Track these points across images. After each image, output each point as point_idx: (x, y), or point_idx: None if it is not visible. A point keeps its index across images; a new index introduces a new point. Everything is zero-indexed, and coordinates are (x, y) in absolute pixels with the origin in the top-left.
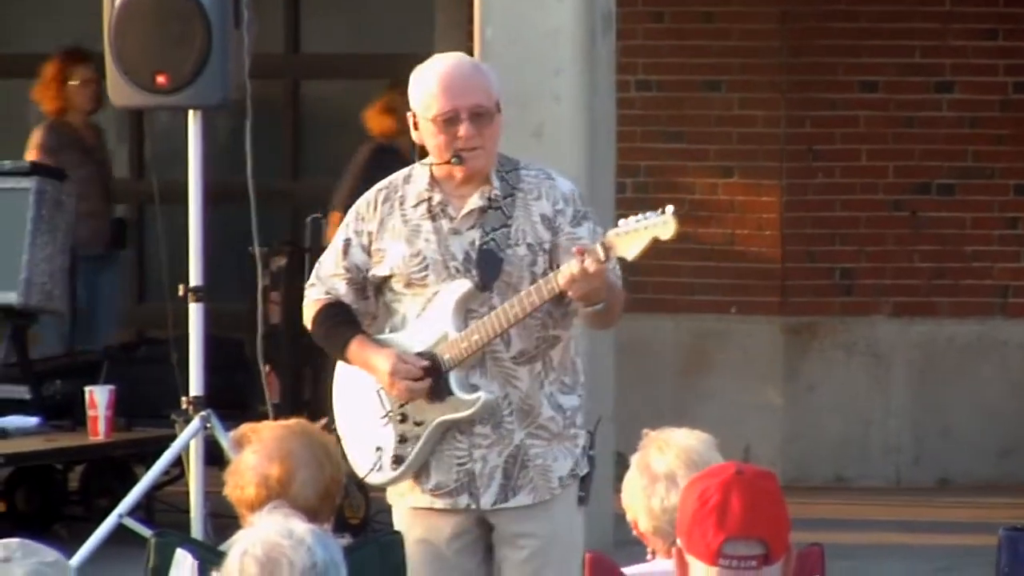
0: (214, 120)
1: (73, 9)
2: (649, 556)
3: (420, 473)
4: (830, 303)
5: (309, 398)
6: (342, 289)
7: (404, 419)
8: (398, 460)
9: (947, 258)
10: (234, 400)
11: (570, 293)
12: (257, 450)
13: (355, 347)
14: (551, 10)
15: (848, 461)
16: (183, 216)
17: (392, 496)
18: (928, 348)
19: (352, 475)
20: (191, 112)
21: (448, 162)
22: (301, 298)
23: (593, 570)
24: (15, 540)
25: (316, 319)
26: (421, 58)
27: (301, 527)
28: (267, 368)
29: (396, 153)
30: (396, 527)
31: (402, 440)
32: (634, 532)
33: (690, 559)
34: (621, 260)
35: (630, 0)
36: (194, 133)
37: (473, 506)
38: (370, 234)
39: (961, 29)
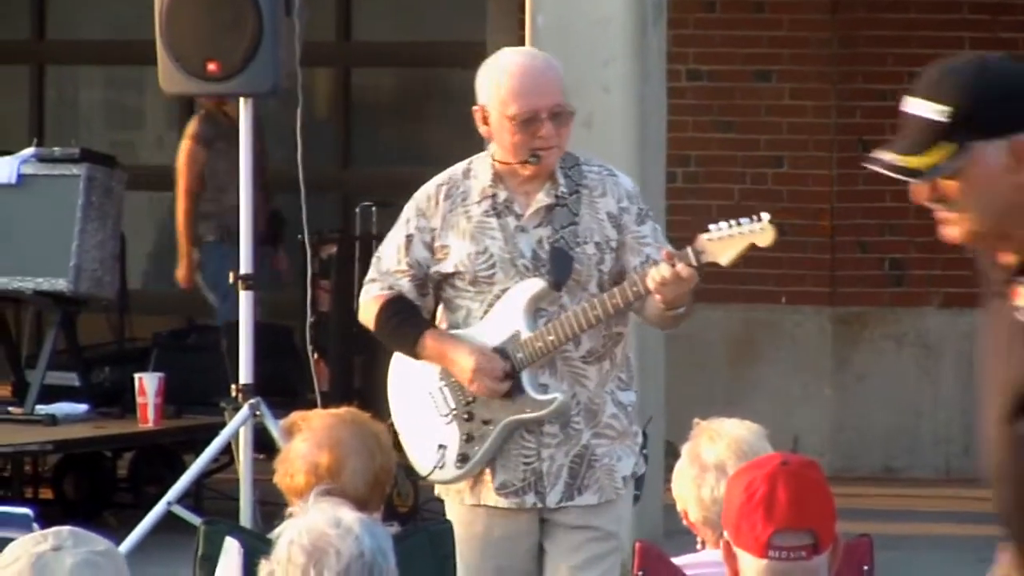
0: (265, 108)
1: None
2: (699, 546)
3: (484, 471)
4: (880, 294)
5: (359, 386)
6: (405, 285)
7: (470, 417)
8: (463, 458)
9: None
10: (283, 388)
11: (657, 297)
12: (307, 438)
13: (431, 341)
14: None
15: (897, 452)
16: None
17: (449, 493)
18: (976, 338)
19: (403, 464)
20: (242, 100)
21: (525, 162)
22: (351, 286)
23: (643, 559)
24: (65, 528)
25: (380, 315)
26: (472, 47)
27: (349, 515)
28: (316, 356)
29: None
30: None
31: (468, 439)
32: (684, 522)
33: (738, 551)
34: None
35: None
36: (245, 120)
37: (539, 504)
38: (433, 231)
39: (1011, 21)
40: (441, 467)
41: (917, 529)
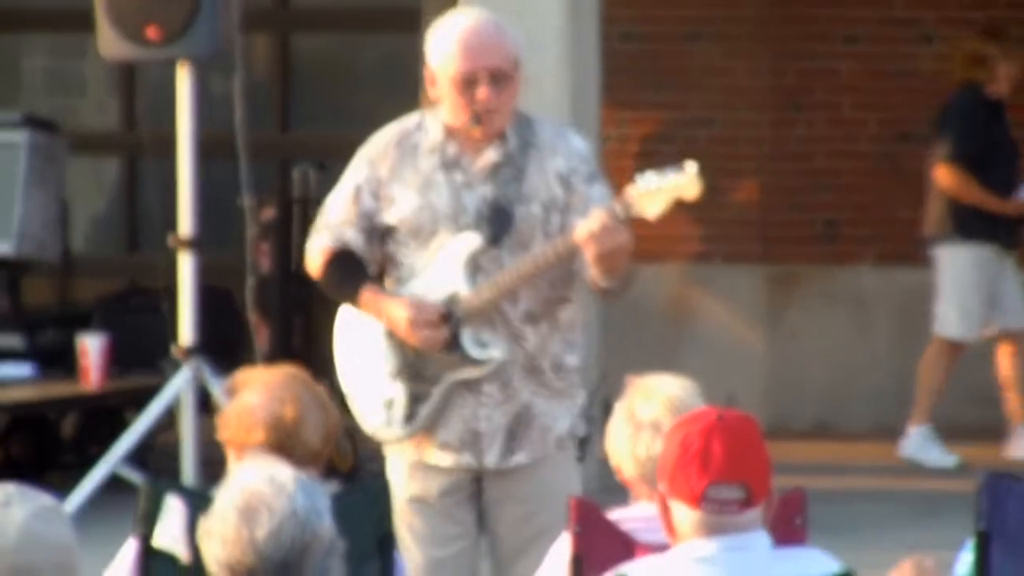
0: (203, 73)
1: None
2: (633, 502)
3: (427, 430)
4: (813, 252)
5: (299, 348)
6: (351, 237)
7: (416, 376)
8: (409, 417)
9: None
10: (223, 349)
11: (587, 253)
12: (261, 393)
13: (368, 295)
14: None
15: (831, 408)
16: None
17: (391, 450)
18: (910, 296)
19: (344, 423)
20: (182, 65)
21: (469, 125)
22: (290, 249)
23: (578, 514)
24: (12, 485)
25: (325, 268)
26: (407, 11)
27: (284, 473)
28: (256, 317)
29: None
30: (392, 479)
31: (413, 398)
32: (618, 478)
33: (672, 503)
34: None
35: None
36: (185, 86)
37: (475, 464)
38: (380, 180)
39: None
40: (388, 425)
41: (851, 483)
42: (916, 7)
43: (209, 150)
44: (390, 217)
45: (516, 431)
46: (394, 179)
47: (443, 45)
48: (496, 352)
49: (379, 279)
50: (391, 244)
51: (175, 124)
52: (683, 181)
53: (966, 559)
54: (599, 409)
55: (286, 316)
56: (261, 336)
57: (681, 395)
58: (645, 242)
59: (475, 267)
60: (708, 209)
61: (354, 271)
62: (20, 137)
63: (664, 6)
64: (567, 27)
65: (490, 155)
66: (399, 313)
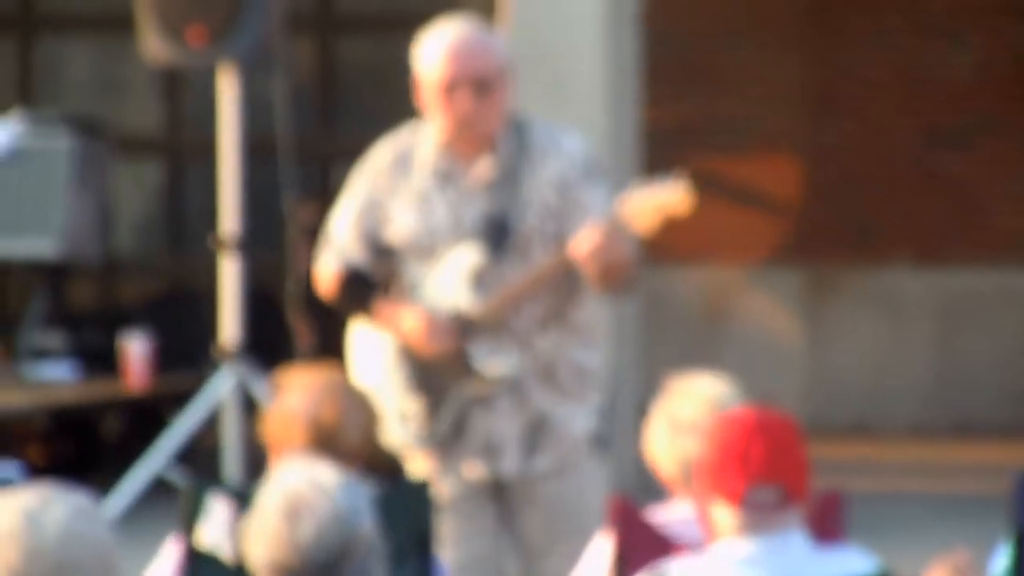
0: (246, 75)
1: None
2: (671, 501)
3: (444, 442)
4: (849, 252)
5: (340, 348)
6: (358, 256)
7: (429, 390)
8: (424, 431)
9: (962, 208)
10: (265, 350)
11: (585, 270)
12: (303, 394)
13: (380, 310)
14: None
15: (868, 408)
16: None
17: (412, 461)
18: (945, 296)
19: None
20: (225, 67)
21: (451, 133)
22: None
23: (616, 513)
24: (51, 487)
25: (334, 292)
26: (446, 14)
27: (327, 475)
28: (297, 318)
29: None
30: None
31: (428, 412)
32: (657, 478)
33: (712, 504)
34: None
35: None
36: (228, 88)
37: (494, 475)
38: (380, 199)
39: None
40: (405, 439)
41: (887, 484)
42: (949, 11)
43: (251, 152)
44: (390, 235)
45: (535, 438)
46: (391, 198)
47: (428, 53)
48: (505, 368)
49: (388, 295)
50: (393, 261)
51: (218, 126)
52: (673, 197)
53: (1002, 560)
54: (634, 409)
55: (327, 316)
56: (302, 337)
57: (721, 395)
58: (682, 244)
59: (477, 281)
60: (744, 211)
61: (364, 290)
62: (63, 140)
63: (700, 10)
64: (605, 29)
65: (484, 168)
66: (412, 323)
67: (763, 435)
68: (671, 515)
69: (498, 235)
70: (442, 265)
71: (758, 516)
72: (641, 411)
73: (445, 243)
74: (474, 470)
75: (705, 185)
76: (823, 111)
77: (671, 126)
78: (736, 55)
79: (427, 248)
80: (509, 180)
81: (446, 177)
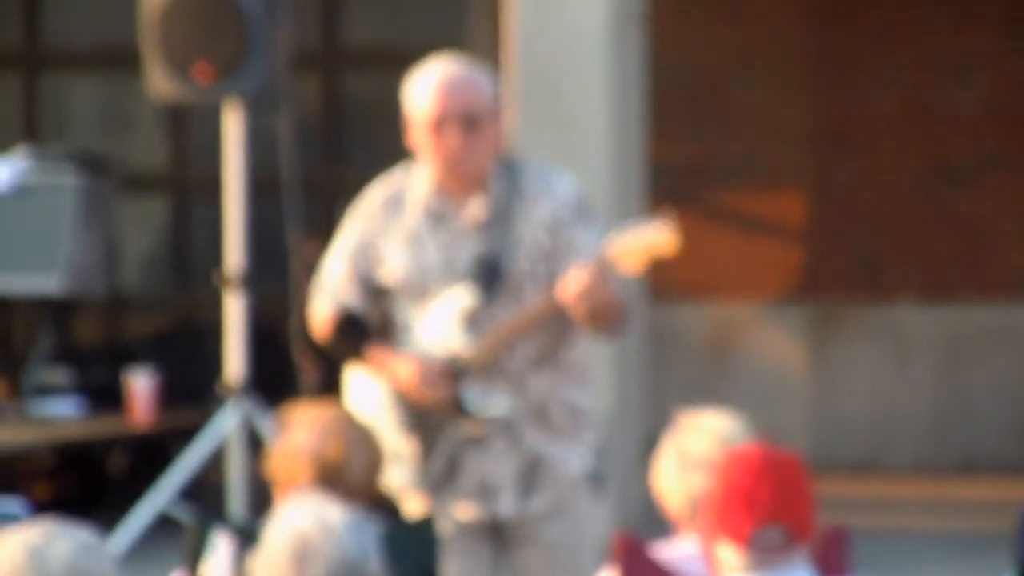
0: (251, 111)
1: (110, 5)
2: (677, 536)
3: (438, 484)
4: (856, 289)
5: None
6: (350, 300)
7: (423, 431)
8: (417, 472)
9: (970, 245)
10: (269, 386)
11: (573, 313)
12: (307, 431)
13: (373, 355)
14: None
15: (874, 445)
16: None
17: (407, 502)
18: (952, 333)
19: None
20: (230, 103)
21: (443, 170)
22: None
23: (621, 549)
24: (54, 523)
25: (328, 335)
26: (450, 49)
27: (334, 515)
28: (302, 354)
29: None
30: None
31: (422, 453)
32: (664, 514)
33: (718, 542)
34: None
35: None
36: (234, 124)
37: (490, 516)
38: (370, 241)
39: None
40: (398, 479)
41: (892, 521)
42: (958, 49)
43: (256, 188)
44: (383, 276)
45: (530, 478)
46: (383, 238)
47: (417, 91)
48: (497, 409)
49: (382, 336)
50: (388, 302)
51: (223, 162)
52: (660, 238)
53: None
54: (639, 444)
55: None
56: (307, 373)
57: (730, 431)
58: (690, 279)
59: (469, 323)
60: (752, 247)
61: (357, 333)
62: (69, 176)
63: (709, 43)
64: (612, 64)
65: (476, 209)
66: (404, 370)
67: (770, 475)
68: (677, 551)
69: (490, 276)
70: (433, 306)
71: (764, 556)
72: (646, 446)
73: (437, 284)
74: (469, 511)
75: (713, 220)
76: (831, 147)
77: (680, 161)
78: (746, 91)
79: (419, 288)
80: (501, 221)
81: (438, 218)
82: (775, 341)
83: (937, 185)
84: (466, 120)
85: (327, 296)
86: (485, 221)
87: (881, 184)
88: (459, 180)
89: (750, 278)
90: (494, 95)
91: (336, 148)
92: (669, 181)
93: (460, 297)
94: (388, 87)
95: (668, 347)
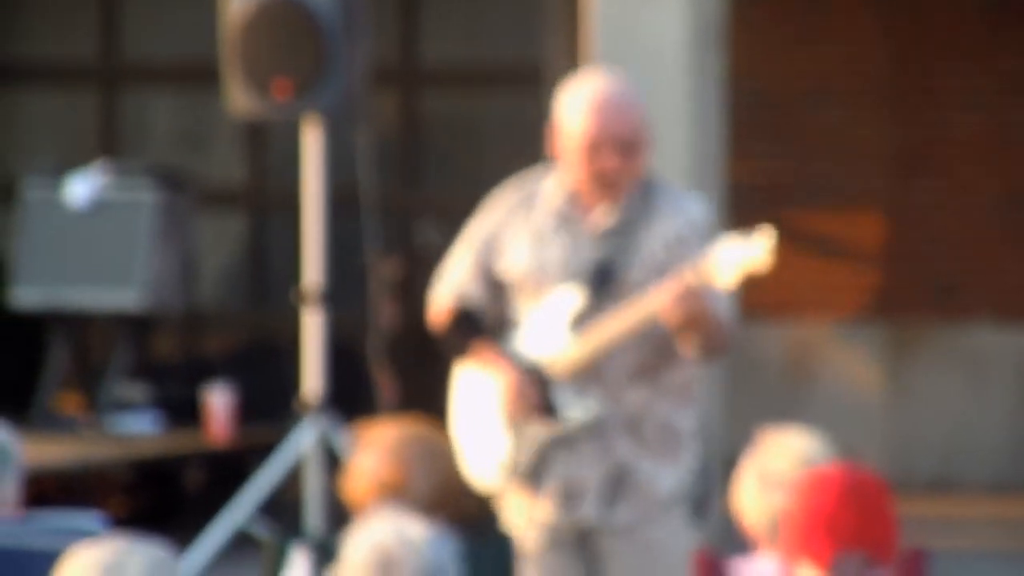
0: (330, 128)
1: (188, 21)
2: (756, 554)
3: (530, 484)
4: (932, 310)
5: (422, 400)
6: (471, 291)
7: (516, 430)
8: (510, 469)
9: None
10: (348, 403)
11: (666, 322)
12: (372, 452)
13: (477, 353)
14: (659, 17)
15: (948, 467)
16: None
17: (503, 503)
18: None
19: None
20: (309, 119)
21: (589, 188)
22: (416, 303)
23: (701, 567)
24: (129, 539)
25: (443, 325)
26: (529, 68)
27: (413, 529)
28: (380, 371)
29: None
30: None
31: (513, 451)
32: (744, 532)
33: (799, 563)
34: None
35: (739, 9)
36: (313, 140)
37: (573, 518)
38: (497, 234)
39: None
40: (491, 476)
41: (966, 542)
42: None
43: (334, 205)
44: (503, 270)
45: (615, 487)
46: (509, 233)
47: (573, 107)
48: (582, 413)
49: (496, 334)
50: (507, 295)
51: (302, 179)
52: (756, 253)
53: None
54: (719, 466)
55: (409, 370)
56: (385, 390)
57: (811, 451)
58: (767, 300)
59: (574, 325)
60: (829, 268)
61: (470, 328)
62: (147, 192)
63: (787, 64)
64: (691, 85)
65: (603, 216)
66: (500, 382)
67: (852, 499)
68: (756, 570)
69: (602, 281)
70: (544, 303)
71: None
72: (725, 466)
73: (553, 282)
74: (551, 513)
75: (791, 241)
76: (909, 169)
77: (758, 182)
78: (824, 112)
79: (535, 285)
80: (625, 231)
81: (566, 219)
82: (851, 361)
83: (1013, 208)
84: (623, 145)
85: (448, 287)
86: (610, 229)
87: (958, 206)
88: (600, 194)
89: (827, 298)
90: (647, 116)
91: (413, 166)
92: (747, 201)
93: (570, 297)
94: (468, 105)
95: (745, 367)
